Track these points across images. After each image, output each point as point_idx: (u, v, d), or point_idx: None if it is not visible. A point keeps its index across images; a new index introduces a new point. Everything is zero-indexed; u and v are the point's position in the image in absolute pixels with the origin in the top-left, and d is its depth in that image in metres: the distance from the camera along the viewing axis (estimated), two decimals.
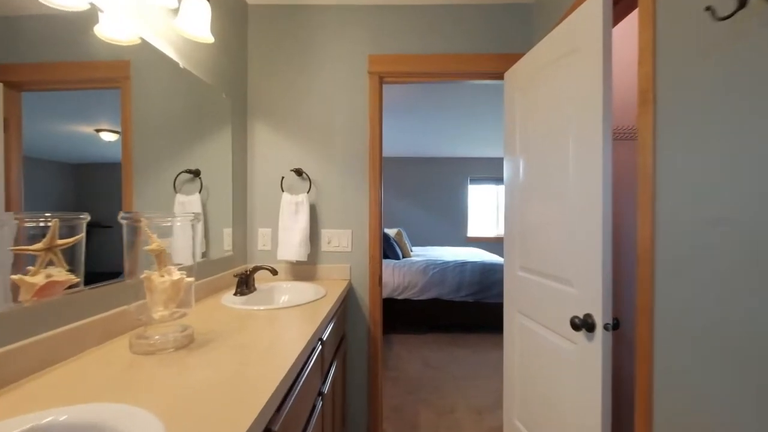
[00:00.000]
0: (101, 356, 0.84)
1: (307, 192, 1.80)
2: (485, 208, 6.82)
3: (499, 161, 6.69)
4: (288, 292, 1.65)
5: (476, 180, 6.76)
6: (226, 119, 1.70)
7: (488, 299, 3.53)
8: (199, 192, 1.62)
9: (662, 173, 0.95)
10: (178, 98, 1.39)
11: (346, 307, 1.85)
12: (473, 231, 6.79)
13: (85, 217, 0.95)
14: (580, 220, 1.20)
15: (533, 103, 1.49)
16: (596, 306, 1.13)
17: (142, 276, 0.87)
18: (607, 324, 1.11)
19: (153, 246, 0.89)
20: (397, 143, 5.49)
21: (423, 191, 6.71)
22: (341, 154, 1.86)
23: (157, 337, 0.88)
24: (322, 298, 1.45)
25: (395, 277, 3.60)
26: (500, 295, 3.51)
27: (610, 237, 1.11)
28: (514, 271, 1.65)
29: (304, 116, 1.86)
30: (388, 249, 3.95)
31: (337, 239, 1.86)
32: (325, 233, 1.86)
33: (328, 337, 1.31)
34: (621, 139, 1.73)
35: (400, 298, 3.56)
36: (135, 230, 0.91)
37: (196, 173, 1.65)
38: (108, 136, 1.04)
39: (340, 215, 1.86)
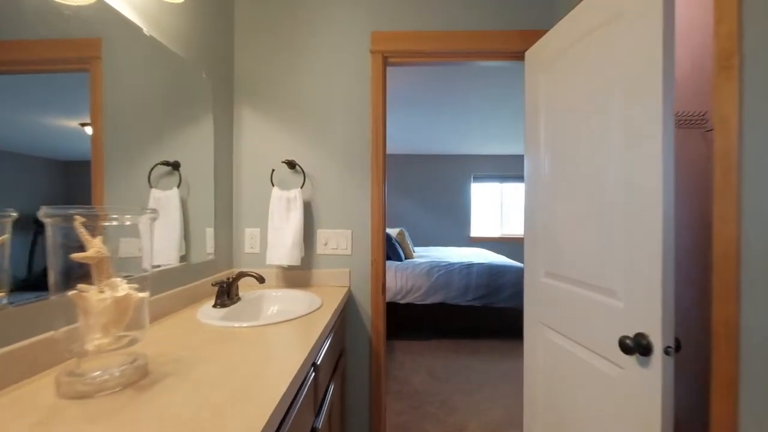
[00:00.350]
0: (15, 401, 0.63)
1: (301, 187, 1.58)
2: (489, 207, 6.61)
3: (503, 158, 6.47)
4: (277, 303, 1.43)
5: (480, 178, 6.54)
6: (207, 103, 1.48)
7: (497, 303, 3.32)
8: (178, 187, 1.41)
9: (750, 159, 0.73)
10: (155, 79, 1.20)
11: (345, 318, 1.63)
12: (476, 231, 6.58)
13: (11, 215, 0.73)
14: (629, 219, 0.98)
15: (562, 84, 1.27)
16: (653, 324, 0.92)
17: (71, 293, 0.65)
18: (669, 347, 0.89)
19: (90, 252, 0.67)
20: (398, 140, 5.28)
21: (424, 189, 6.50)
22: (340, 144, 1.64)
23: (95, 373, 0.67)
24: (317, 310, 1.24)
25: (398, 279, 3.39)
26: (510, 299, 3.30)
27: (672, 240, 0.90)
28: (537, 277, 1.44)
29: (299, 101, 1.64)
30: (390, 250, 3.73)
31: (335, 241, 1.64)
32: (322, 234, 1.64)
33: (323, 359, 1.10)
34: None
35: (402, 302, 3.35)
36: (68, 232, 0.69)
37: (175, 166, 1.44)
38: (92, 130, 0.94)
39: (339, 214, 1.64)
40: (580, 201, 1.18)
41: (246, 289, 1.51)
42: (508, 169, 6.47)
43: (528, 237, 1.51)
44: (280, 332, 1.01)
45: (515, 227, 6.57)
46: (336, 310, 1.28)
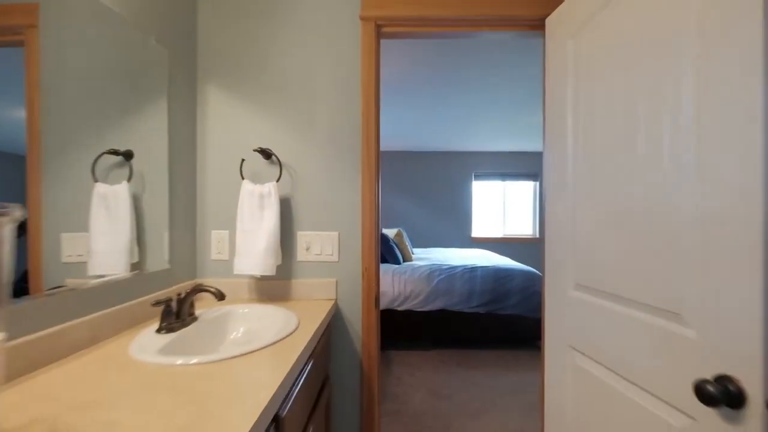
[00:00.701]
0: None
1: (277, 180, 1.31)
2: (491, 207, 6.35)
3: (505, 155, 6.22)
4: (244, 323, 1.16)
5: (481, 176, 6.28)
6: (163, 78, 1.22)
7: (503, 310, 3.05)
8: (129, 180, 1.16)
9: None
10: (103, 51, 1.00)
11: (330, 339, 1.36)
12: (478, 231, 6.32)
13: None
14: (709, 218, 0.72)
15: (605, 48, 1.01)
16: (746, 365, 0.65)
17: None
18: None
19: None
20: (394, 136, 5.01)
21: (423, 188, 6.24)
22: (325, 130, 1.37)
23: None
24: (289, 336, 0.97)
25: (395, 284, 3.12)
26: (517, 305, 3.04)
27: None
28: (564, 289, 1.18)
29: (276, 79, 1.37)
30: (387, 252, 3.47)
31: (318, 245, 1.37)
32: (303, 237, 1.38)
33: (293, 405, 0.83)
34: None
35: (400, 309, 3.09)
36: None
37: (127, 156, 1.19)
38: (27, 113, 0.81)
39: (324, 213, 1.38)
40: (626, 197, 0.92)
41: (210, 304, 1.24)
42: (510, 166, 6.21)
43: (550, 242, 1.24)
44: (236, 371, 0.74)
45: (518, 227, 6.32)
46: (315, 333, 1.02)
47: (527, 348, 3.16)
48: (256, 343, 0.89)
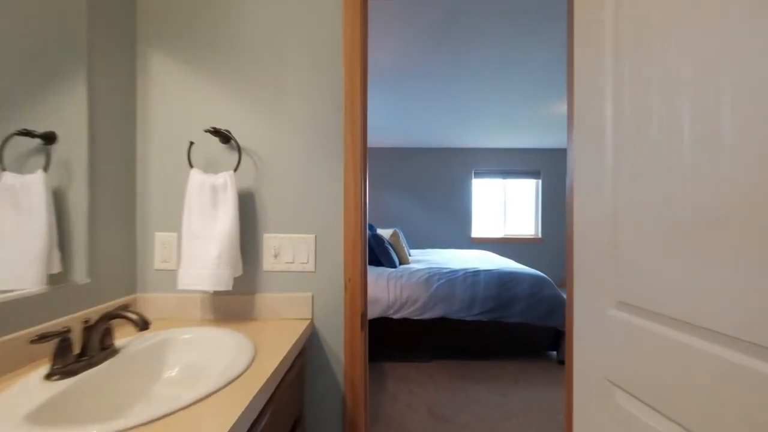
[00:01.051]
0: None
1: (235, 169, 1.04)
2: (491, 206, 6.10)
3: (506, 152, 5.95)
4: (183, 356, 0.88)
5: (481, 173, 6.03)
6: (79, 36, 0.94)
7: (508, 318, 2.78)
8: (45, 169, 0.89)
9: None
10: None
11: (303, 370, 1.09)
12: (478, 231, 6.06)
13: None
14: None
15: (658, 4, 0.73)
16: None
17: None
18: None
19: None
20: (390, 131, 4.75)
21: (421, 186, 5.97)
22: (299, 108, 1.10)
23: None
24: (237, 378, 0.69)
25: (390, 290, 2.85)
26: (523, 312, 2.77)
27: None
28: (601, 307, 0.90)
29: (237, 45, 1.10)
30: (382, 254, 3.19)
31: (290, 251, 1.10)
32: (270, 241, 1.10)
33: None
34: None
35: (396, 317, 2.81)
36: None
37: (48, 138, 0.93)
38: None
39: (297, 210, 1.10)
40: (709, 197, 0.65)
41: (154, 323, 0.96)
42: (512, 163, 5.95)
43: (580, 251, 0.97)
44: None
45: (519, 227, 6.06)
46: (275, 373, 0.74)
47: (535, 358, 2.90)
48: (185, 398, 0.61)
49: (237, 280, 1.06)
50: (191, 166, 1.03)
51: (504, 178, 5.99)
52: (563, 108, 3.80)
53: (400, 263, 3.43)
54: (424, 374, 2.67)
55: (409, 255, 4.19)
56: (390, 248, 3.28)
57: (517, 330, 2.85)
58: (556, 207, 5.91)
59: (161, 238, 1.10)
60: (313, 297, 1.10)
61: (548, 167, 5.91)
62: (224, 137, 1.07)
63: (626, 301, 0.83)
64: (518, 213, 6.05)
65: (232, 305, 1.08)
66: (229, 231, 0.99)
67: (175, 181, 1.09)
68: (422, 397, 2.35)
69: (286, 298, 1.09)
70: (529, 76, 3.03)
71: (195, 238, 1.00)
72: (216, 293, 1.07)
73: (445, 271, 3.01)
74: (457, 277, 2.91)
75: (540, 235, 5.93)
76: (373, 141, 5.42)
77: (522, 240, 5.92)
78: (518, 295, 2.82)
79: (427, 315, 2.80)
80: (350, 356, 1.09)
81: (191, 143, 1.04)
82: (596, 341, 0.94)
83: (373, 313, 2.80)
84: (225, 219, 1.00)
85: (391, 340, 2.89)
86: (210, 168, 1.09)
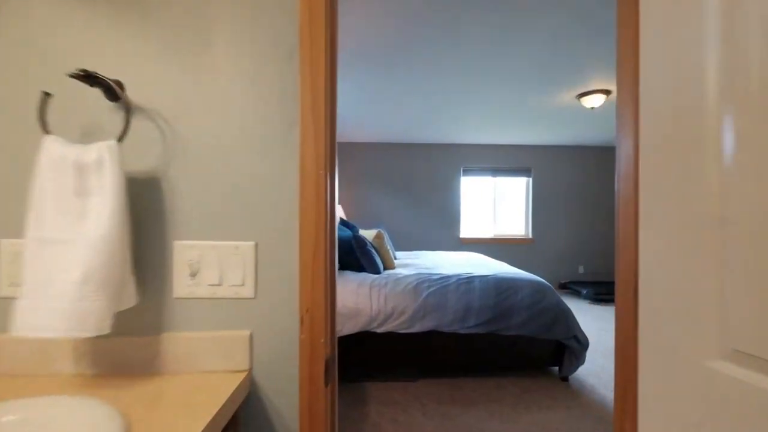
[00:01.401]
0: None
1: (120, 138, 0.65)
2: (481, 204, 5.82)
3: (497, 148, 5.68)
4: None
5: (470, 171, 5.74)
6: None
7: (506, 331, 2.46)
8: None
9: None
10: None
11: None
12: (467, 231, 5.78)
13: None
14: None
15: None
16: None
17: None
18: None
19: None
20: (372, 124, 4.38)
21: (407, 184, 5.63)
22: (230, 52, 0.72)
23: None
24: None
25: (374, 300, 2.48)
26: (523, 325, 2.46)
27: None
28: (694, 358, 0.57)
29: None
30: (364, 258, 2.82)
31: (215, 267, 0.72)
32: (185, 252, 0.72)
33: None
34: None
35: (381, 330, 2.45)
36: None
37: None
38: None
39: (227, 206, 0.72)
40: None
41: None
42: (502, 160, 5.68)
43: (653, 278, 0.63)
44: None
45: (509, 227, 5.80)
46: None
47: (535, 375, 2.59)
48: None
49: (129, 315, 0.68)
50: (46, 131, 0.63)
51: (494, 175, 5.72)
52: (555, 101, 3.52)
53: (385, 268, 3.07)
54: (410, 396, 2.32)
55: (395, 258, 3.84)
56: (373, 252, 2.91)
57: (515, 343, 2.53)
58: (547, 206, 5.67)
59: (7, 248, 0.70)
60: (251, 337, 0.72)
61: (539, 164, 5.66)
62: (108, 90, 0.68)
63: (743, 349, 0.50)
64: (509, 212, 5.79)
65: (122, 352, 0.69)
66: (105, 236, 0.60)
67: (22, 155, 0.69)
68: (409, 426, 1.99)
69: (210, 338, 0.71)
70: (521, 65, 2.72)
71: (46, 246, 0.60)
72: (85, 338, 0.68)
73: (435, 277, 2.66)
74: (449, 285, 2.57)
75: (531, 236, 5.68)
76: (355, 135, 5.04)
77: (512, 240, 5.66)
78: (517, 305, 2.50)
79: (416, 328, 2.45)
80: (309, 427, 0.72)
81: (45, 95, 0.64)
82: (685, 403, 0.59)
83: (353, 327, 2.43)
84: (99, 216, 0.61)
85: (374, 356, 2.53)
86: (90, 139, 0.69)
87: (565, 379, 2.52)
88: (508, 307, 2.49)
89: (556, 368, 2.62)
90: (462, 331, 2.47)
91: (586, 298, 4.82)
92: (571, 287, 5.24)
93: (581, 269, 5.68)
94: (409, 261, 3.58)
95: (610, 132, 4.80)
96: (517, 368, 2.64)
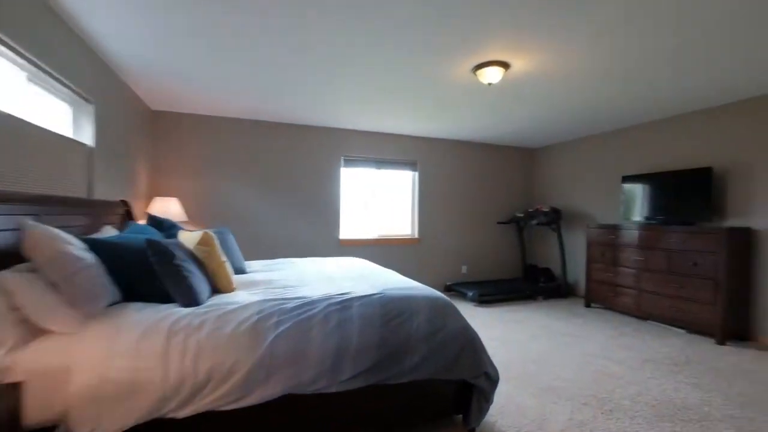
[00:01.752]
0: None
1: None
2: (363, 200, 5.09)
3: (381, 137, 5.03)
4: None
5: (352, 161, 4.96)
6: None
7: (398, 379, 1.66)
8: None
9: None
10: None
11: None
12: (348, 232, 4.97)
13: None
14: None
15: None
16: None
17: None
18: None
19: None
20: (229, 95, 3.13)
21: (273, 172, 4.52)
22: None
23: None
24: None
25: (173, 358, 1.37)
26: (421, 365, 1.69)
27: None
28: None
29: None
30: (168, 278, 1.66)
31: None
32: None
33: None
34: None
35: (185, 414, 1.35)
36: None
37: None
38: None
39: None
40: None
41: None
42: (386, 151, 5.06)
43: None
44: None
45: (394, 227, 5.23)
46: None
47: (432, 430, 1.86)
48: None
49: None
50: None
51: (378, 167, 5.06)
52: (448, 75, 2.93)
53: (217, 291, 1.95)
54: None
55: (246, 271, 2.71)
56: (190, 267, 1.76)
57: (408, 392, 1.76)
58: (432, 203, 5.29)
59: None
60: None
61: (426, 158, 5.25)
62: None
63: None
64: (394, 210, 5.22)
65: None
66: None
67: None
68: None
69: None
70: (397, 21, 1.98)
71: None
72: None
73: (292, 305, 1.69)
74: (313, 316, 1.63)
75: (417, 236, 5.21)
76: (198, 103, 3.65)
77: (397, 241, 5.09)
78: (413, 337, 1.72)
79: (254, 398, 1.44)
80: None
81: None
82: None
83: (126, 415, 1.27)
84: None
85: None
86: None
87: (472, 431, 1.86)
88: (400, 343, 1.69)
89: (460, 416, 1.94)
90: (332, 390, 1.56)
91: (471, 300, 4.53)
92: (456, 289, 4.94)
93: (464, 269, 5.48)
94: (264, 275, 2.51)
95: (503, 125, 4.62)
96: (406, 423, 1.87)
